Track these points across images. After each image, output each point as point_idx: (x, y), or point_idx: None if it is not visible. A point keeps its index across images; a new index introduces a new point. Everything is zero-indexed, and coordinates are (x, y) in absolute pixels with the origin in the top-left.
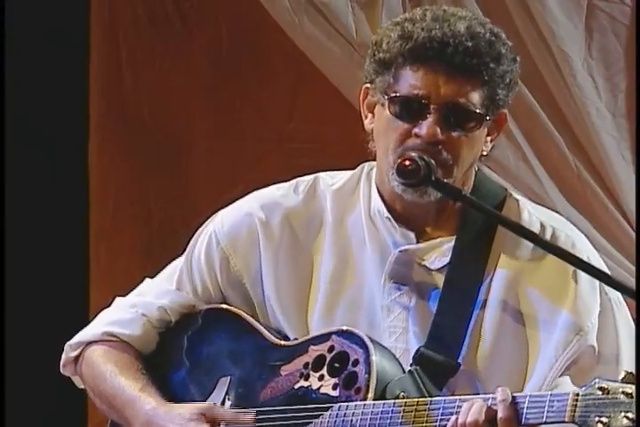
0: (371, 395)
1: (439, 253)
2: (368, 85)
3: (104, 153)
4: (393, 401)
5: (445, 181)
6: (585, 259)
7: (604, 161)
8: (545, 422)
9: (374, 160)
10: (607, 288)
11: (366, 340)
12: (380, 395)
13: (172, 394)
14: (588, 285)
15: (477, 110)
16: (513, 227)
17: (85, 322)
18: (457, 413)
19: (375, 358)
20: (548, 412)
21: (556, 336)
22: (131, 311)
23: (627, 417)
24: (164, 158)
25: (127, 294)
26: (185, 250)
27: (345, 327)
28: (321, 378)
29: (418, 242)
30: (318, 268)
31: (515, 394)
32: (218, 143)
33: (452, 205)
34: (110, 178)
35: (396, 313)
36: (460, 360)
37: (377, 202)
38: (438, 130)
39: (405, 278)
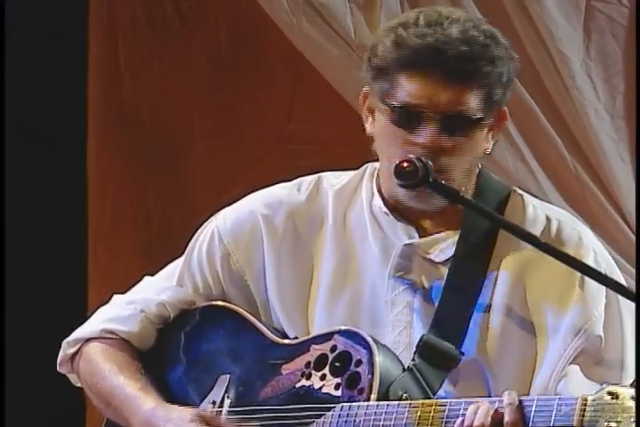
0: (374, 396)
1: (444, 246)
2: (367, 89)
3: (103, 153)
4: (397, 402)
5: (443, 182)
6: (591, 252)
7: (602, 162)
8: None
9: (376, 161)
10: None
11: (369, 340)
12: (384, 396)
13: (170, 391)
14: None
15: (476, 115)
16: (512, 229)
17: (84, 322)
18: (462, 415)
19: (378, 358)
20: (555, 416)
21: (565, 326)
22: (129, 308)
23: None
24: (163, 159)
25: (126, 293)
26: (185, 249)
27: (347, 327)
28: (323, 378)
29: (420, 237)
30: (320, 265)
31: (522, 398)
32: (217, 144)
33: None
34: (109, 178)
35: (400, 307)
36: (463, 350)
37: (377, 200)
38: (439, 138)
39: (410, 272)
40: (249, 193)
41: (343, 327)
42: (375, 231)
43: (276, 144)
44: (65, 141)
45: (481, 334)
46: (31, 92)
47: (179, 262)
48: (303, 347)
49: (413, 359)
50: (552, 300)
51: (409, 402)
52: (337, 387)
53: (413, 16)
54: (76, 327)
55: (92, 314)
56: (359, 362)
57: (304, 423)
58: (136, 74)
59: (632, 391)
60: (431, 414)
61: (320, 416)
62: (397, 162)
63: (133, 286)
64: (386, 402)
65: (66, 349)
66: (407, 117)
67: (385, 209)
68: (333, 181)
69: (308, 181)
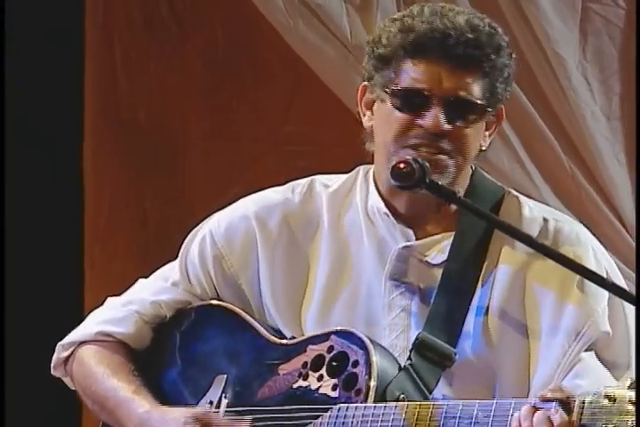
0: (371, 397)
1: (441, 248)
2: (366, 83)
3: (99, 155)
4: (394, 404)
5: (440, 183)
6: (590, 251)
7: (598, 164)
8: None
9: (371, 163)
10: (613, 275)
11: (366, 341)
12: (381, 397)
13: (167, 391)
14: None
15: (479, 102)
16: (509, 230)
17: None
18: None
19: (375, 359)
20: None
21: (566, 325)
22: (123, 310)
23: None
24: (160, 160)
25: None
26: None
27: (344, 327)
28: (320, 378)
29: (417, 239)
30: (315, 268)
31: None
32: (214, 145)
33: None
34: (105, 179)
35: (397, 311)
36: (459, 354)
37: (375, 200)
38: (443, 121)
39: (407, 276)
40: (246, 194)
41: (340, 328)
42: (370, 233)
43: (273, 145)
44: (61, 143)
45: (477, 334)
46: (28, 93)
47: (174, 264)
48: (300, 347)
49: (409, 358)
50: (551, 298)
51: (406, 404)
52: (334, 388)
53: (417, 8)
54: (73, 330)
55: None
56: (356, 363)
57: (301, 424)
58: (132, 75)
59: (630, 394)
60: (428, 416)
61: (317, 417)
62: (394, 163)
63: (130, 288)
64: (383, 403)
65: (60, 352)
66: (411, 101)
67: (385, 210)
68: (326, 183)
69: (301, 184)
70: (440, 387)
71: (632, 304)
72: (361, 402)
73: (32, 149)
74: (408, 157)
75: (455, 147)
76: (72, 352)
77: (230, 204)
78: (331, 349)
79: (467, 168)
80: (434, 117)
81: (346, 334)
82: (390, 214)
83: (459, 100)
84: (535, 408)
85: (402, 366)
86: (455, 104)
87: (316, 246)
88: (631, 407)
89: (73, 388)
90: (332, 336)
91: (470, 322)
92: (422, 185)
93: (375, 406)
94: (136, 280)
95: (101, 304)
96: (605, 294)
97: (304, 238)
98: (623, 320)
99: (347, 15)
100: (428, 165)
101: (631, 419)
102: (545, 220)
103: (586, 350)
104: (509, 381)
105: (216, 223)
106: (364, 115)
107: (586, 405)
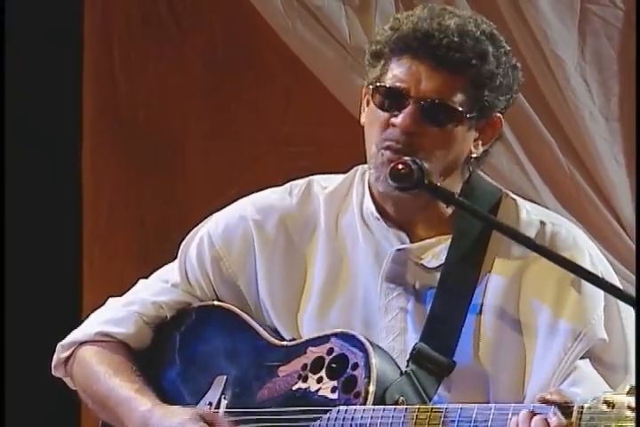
0: (370, 399)
1: (436, 251)
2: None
3: (98, 155)
4: (394, 407)
5: (439, 184)
6: (586, 255)
7: (597, 165)
8: None
9: (365, 163)
10: (610, 280)
11: (366, 343)
12: (380, 399)
13: (165, 392)
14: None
15: (456, 107)
16: (507, 231)
17: (79, 325)
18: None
19: (375, 361)
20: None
21: (563, 330)
22: (123, 310)
23: None
24: (160, 160)
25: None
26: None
27: (344, 330)
28: (319, 380)
29: (412, 242)
30: (312, 269)
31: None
32: (213, 145)
33: (443, 206)
34: (105, 180)
35: (394, 313)
36: (455, 358)
37: (369, 203)
38: (413, 121)
39: (402, 278)
40: (246, 194)
41: (340, 330)
42: (366, 235)
43: (272, 145)
44: (60, 143)
45: (475, 338)
46: (26, 94)
47: (173, 265)
48: (300, 349)
49: (407, 366)
50: (547, 303)
51: (405, 406)
52: (333, 390)
53: (420, 8)
54: (72, 330)
55: (87, 317)
56: (356, 365)
57: (300, 426)
58: (131, 75)
59: (629, 400)
60: (427, 420)
61: (316, 419)
62: (393, 165)
63: (129, 288)
64: (382, 406)
65: (60, 352)
66: (389, 99)
67: (376, 214)
68: (323, 184)
69: (298, 185)
70: (439, 390)
71: (631, 306)
72: (360, 405)
73: (31, 149)
74: (407, 158)
75: (422, 149)
76: (72, 353)
77: (230, 204)
78: (330, 351)
79: (452, 175)
80: (405, 117)
81: (346, 337)
82: (381, 218)
83: (434, 101)
84: (533, 413)
85: (403, 371)
86: (430, 105)
87: (314, 248)
88: (630, 413)
89: (73, 388)
90: (332, 338)
91: (467, 326)
92: (421, 186)
93: (374, 409)
94: (135, 280)
95: (101, 304)
96: (601, 301)
97: (301, 240)
98: (619, 327)
99: (345, 17)
100: (426, 166)
101: (630, 425)
102: (542, 223)
103: (581, 358)
104: (505, 388)
105: (214, 225)
106: (363, 111)
107: (585, 410)
